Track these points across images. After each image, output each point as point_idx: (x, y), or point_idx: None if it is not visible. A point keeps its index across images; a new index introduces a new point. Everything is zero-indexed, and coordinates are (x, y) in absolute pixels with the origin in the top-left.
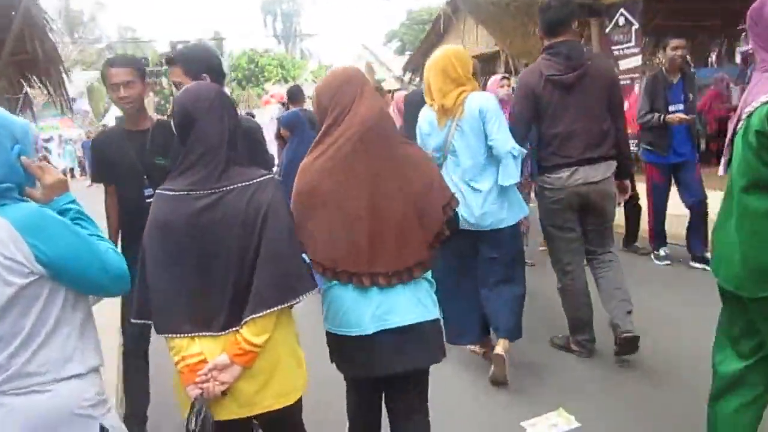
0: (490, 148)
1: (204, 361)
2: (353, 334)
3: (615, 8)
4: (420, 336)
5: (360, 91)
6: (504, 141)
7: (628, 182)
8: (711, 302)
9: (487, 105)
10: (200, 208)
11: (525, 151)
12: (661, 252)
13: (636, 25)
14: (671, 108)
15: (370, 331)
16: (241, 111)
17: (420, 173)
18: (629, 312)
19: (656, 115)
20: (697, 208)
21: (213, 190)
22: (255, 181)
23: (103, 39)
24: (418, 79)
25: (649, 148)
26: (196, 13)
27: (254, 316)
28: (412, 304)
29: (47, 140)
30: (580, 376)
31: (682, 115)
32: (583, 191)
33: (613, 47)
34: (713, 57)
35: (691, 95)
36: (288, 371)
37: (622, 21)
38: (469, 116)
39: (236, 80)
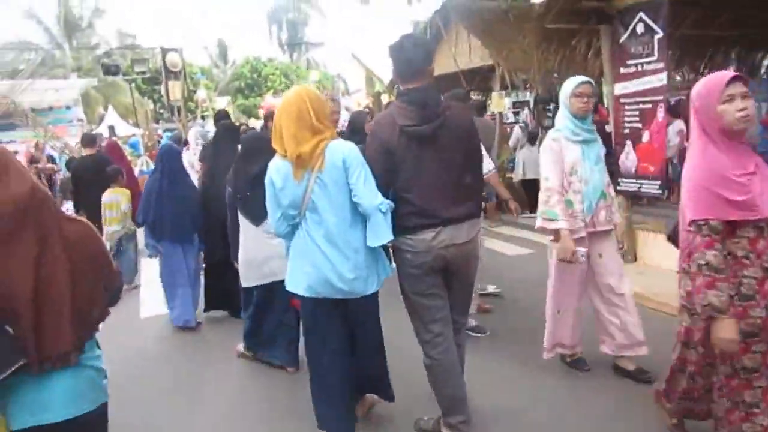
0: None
1: None
2: None
3: (632, 12)
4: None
5: (4, 170)
6: (371, 196)
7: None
8: None
9: (350, 155)
10: None
11: (393, 205)
12: None
13: (660, 34)
14: None
15: (15, 428)
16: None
17: (84, 247)
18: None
19: None
20: None
21: None
22: None
23: (102, 45)
24: None
25: None
26: (201, 21)
27: None
28: (77, 395)
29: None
30: None
31: None
32: (447, 254)
33: (629, 62)
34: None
35: None
36: None
37: (641, 28)
38: (331, 168)
39: (238, 90)
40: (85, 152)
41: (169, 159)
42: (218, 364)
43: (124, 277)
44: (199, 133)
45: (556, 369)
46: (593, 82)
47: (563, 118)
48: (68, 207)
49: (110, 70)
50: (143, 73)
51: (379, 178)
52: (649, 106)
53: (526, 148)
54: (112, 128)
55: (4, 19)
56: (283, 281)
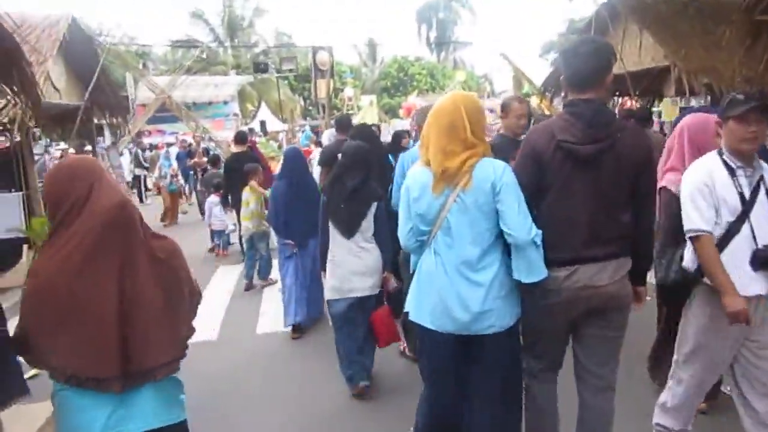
0: (500, 232)
1: None
2: None
3: None
4: None
5: (98, 180)
6: (525, 228)
7: (642, 289)
8: None
9: (503, 178)
10: None
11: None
12: None
13: None
14: None
15: None
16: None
17: (169, 264)
18: None
19: None
20: None
21: None
22: None
23: (261, 44)
24: (556, 99)
25: None
26: (353, 20)
27: None
28: (158, 407)
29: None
30: None
31: None
32: (583, 296)
33: None
34: None
35: None
36: None
37: None
38: (477, 189)
39: (384, 89)
40: (235, 149)
41: (291, 163)
42: (326, 385)
43: (258, 274)
44: (332, 134)
45: None
46: None
47: None
48: (215, 200)
49: (259, 68)
50: (291, 71)
51: (524, 189)
52: None
53: None
54: (263, 123)
55: (175, 20)
56: (361, 299)
